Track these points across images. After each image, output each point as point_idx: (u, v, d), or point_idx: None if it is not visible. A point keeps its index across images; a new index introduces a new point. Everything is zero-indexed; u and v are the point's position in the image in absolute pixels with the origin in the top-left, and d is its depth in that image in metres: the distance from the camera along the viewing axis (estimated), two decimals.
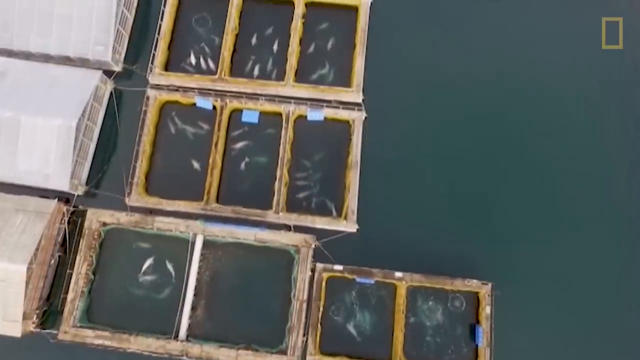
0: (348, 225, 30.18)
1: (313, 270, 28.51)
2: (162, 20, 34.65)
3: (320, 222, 30.40)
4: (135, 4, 36.00)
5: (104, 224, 30.26)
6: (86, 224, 29.97)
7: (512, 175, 32.47)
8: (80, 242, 29.70)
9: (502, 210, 31.57)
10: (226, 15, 34.67)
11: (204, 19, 35.88)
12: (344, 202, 31.32)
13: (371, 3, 34.97)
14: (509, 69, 33.83)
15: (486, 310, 28.49)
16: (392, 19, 35.60)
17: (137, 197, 31.01)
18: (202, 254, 29.86)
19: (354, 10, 35.53)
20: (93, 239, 29.86)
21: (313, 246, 29.11)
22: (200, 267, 29.77)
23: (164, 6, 35.05)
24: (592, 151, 32.46)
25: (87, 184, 32.08)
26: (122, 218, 30.20)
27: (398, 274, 28.67)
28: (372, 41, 34.21)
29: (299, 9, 34.94)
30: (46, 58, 33.39)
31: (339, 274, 28.58)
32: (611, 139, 32.58)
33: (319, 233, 29.76)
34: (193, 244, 29.71)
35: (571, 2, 34.85)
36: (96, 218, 30.06)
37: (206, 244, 30.00)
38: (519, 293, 29.66)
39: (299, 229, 30.17)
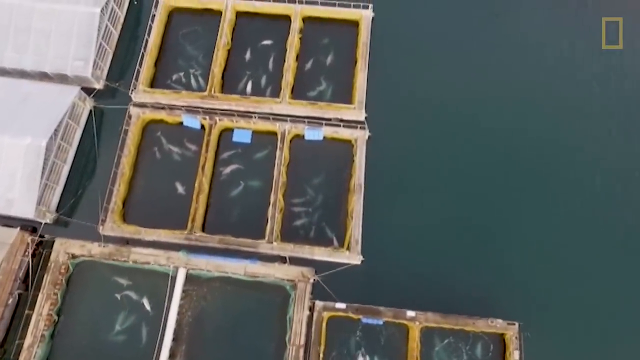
0: (351, 257, 26.80)
1: (312, 309, 25.67)
2: (149, 35, 32.36)
3: (320, 254, 26.98)
4: (121, 20, 33.83)
5: (73, 256, 26.72)
6: (52, 256, 26.40)
7: (532, 198, 29.19)
8: (45, 278, 25.89)
9: (526, 239, 28.04)
10: (218, 31, 32.39)
11: (194, 35, 33.67)
12: (346, 231, 28.02)
13: (372, 18, 32.79)
14: (512, 75, 31.94)
15: (514, 355, 24.62)
16: (395, 33, 33.37)
17: (112, 226, 27.48)
18: (184, 291, 26.34)
19: (354, 25, 33.44)
20: (59, 274, 26.18)
21: (311, 281, 25.87)
22: (181, 306, 26.06)
23: (152, 21, 32.84)
24: (596, 155, 30.05)
25: (57, 210, 28.60)
26: (94, 249, 26.65)
27: (410, 313, 25.29)
28: (373, 57, 31.96)
29: (296, 23, 32.78)
30: (22, 74, 30.86)
31: (341, 314, 25.54)
32: (613, 141, 30.38)
33: (318, 266, 26.53)
34: (174, 278, 26.18)
35: (571, 2, 34.04)
36: (64, 249, 26.50)
37: (189, 278, 26.54)
38: (551, 334, 25.69)
39: (295, 261, 26.83)
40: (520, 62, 32.34)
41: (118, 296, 26.55)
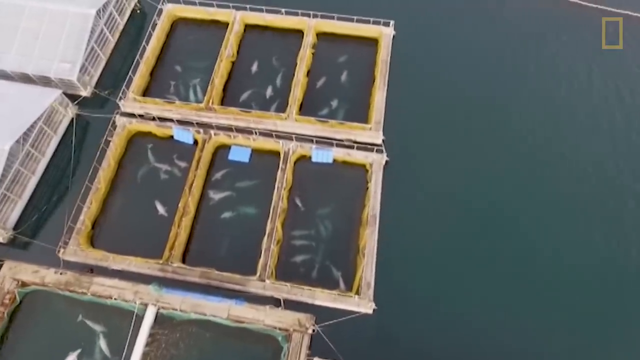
0: (361, 304, 22.29)
1: None
2: (147, 43, 29.55)
3: (323, 298, 22.48)
4: (120, 27, 31.28)
5: (23, 284, 22.09)
6: None
7: (568, 238, 24.51)
8: None
9: (578, 285, 23.05)
10: (223, 42, 29.52)
11: (197, 46, 30.91)
12: (356, 271, 23.59)
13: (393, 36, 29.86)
14: (529, 83, 29.71)
15: None
16: (416, 53, 30.39)
17: (75, 249, 23.07)
18: (151, 334, 22.03)
19: (372, 42, 30.41)
20: (2, 305, 21.50)
21: (310, 331, 21.20)
22: (146, 354, 21.66)
23: (152, 29, 30.14)
24: (598, 158, 26.96)
25: (15, 228, 24.31)
26: (49, 277, 22.17)
27: None
28: (392, 77, 29.09)
29: (309, 37, 29.86)
30: (3, 76, 27.84)
31: None
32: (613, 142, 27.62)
33: (319, 313, 22.03)
34: (140, 318, 21.64)
35: (571, 2, 32.69)
36: (12, 275, 22.02)
37: (159, 319, 22.25)
38: None
39: (291, 305, 22.29)
40: (525, 66, 30.13)
41: (70, 337, 21.62)
